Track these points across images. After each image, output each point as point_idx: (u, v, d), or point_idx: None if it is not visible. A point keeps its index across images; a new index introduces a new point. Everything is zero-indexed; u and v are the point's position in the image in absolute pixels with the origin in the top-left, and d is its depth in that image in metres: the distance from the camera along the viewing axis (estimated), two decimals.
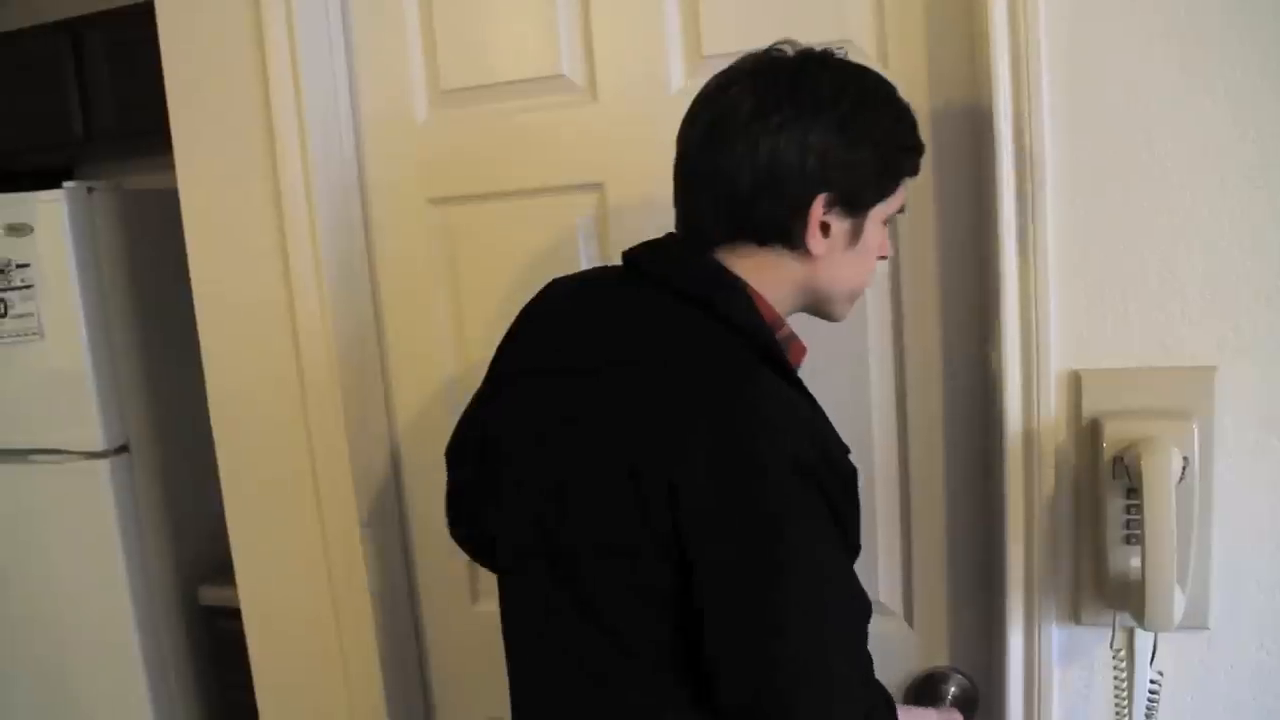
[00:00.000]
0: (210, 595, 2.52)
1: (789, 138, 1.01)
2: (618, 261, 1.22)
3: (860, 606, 1.04)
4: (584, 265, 1.58)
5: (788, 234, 1.05)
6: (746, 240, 1.07)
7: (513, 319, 1.27)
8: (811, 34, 1.37)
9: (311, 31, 1.60)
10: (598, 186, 1.57)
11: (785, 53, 1.07)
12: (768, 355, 1.04)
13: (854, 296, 1.15)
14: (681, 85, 1.52)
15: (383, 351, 1.73)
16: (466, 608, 1.77)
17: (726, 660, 0.97)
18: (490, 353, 1.30)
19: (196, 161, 1.70)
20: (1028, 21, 1.27)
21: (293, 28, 1.58)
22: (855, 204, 1.06)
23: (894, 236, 1.42)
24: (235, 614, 2.36)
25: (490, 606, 1.69)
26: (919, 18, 1.41)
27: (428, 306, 1.69)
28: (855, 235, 1.08)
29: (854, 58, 1.12)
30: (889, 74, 1.16)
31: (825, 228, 1.05)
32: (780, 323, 1.09)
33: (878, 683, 1.09)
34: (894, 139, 1.08)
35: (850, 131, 1.03)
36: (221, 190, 1.68)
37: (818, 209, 1.04)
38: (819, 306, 1.14)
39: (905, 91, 1.12)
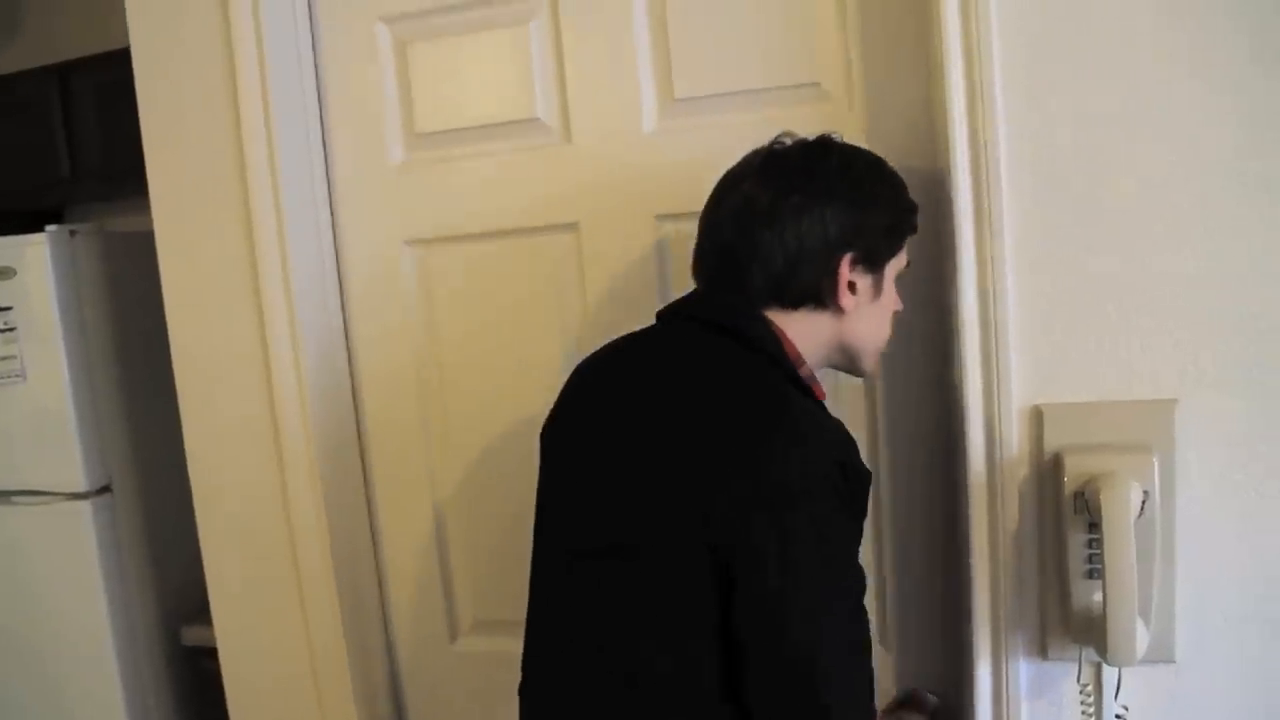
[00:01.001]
0: (192, 635, 2.50)
1: (810, 217, 1.16)
2: (596, 296, 1.53)
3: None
4: (561, 304, 1.62)
5: (820, 295, 1.18)
6: (783, 305, 1.19)
7: (490, 354, 1.61)
8: (782, 76, 1.48)
9: (283, 78, 1.63)
10: (573, 227, 1.60)
11: (786, 144, 1.22)
12: (794, 379, 1.16)
13: (879, 349, 1.27)
14: (654, 127, 1.56)
15: (357, 396, 1.74)
16: (445, 647, 1.76)
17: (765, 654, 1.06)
18: (469, 389, 1.61)
19: (171, 208, 1.71)
20: (982, 62, 1.28)
21: (265, 75, 1.60)
22: (874, 261, 1.20)
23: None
24: (217, 654, 2.38)
25: (468, 647, 1.75)
26: (882, 59, 1.45)
27: (403, 346, 1.70)
28: (877, 289, 1.22)
29: (822, 98, 1.36)
30: (854, 113, 1.32)
31: (851, 285, 1.18)
32: (801, 361, 1.19)
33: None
34: (896, 203, 1.22)
35: (860, 200, 1.18)
36: (196, 236, 1.69)
37: (845, 268, 1.17)
38: (850, 361, 1.26)
39: (870, 130, 1.33)
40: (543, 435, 1.32)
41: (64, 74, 2.83)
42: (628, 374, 1.24)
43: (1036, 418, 1.32)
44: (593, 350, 1.35)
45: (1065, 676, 1.36)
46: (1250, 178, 1.24)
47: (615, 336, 1.37)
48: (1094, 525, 1.27)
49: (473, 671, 1.74)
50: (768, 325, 1.17)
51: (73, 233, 2.34)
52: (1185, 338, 1.28)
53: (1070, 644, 1.33)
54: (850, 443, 1.12)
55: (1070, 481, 1.28)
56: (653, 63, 1.55)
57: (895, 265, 1.23)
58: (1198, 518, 1.30)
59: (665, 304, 1.30)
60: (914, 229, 1.25)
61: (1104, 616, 1.21)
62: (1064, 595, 1.32)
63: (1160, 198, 1.27)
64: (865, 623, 1.11)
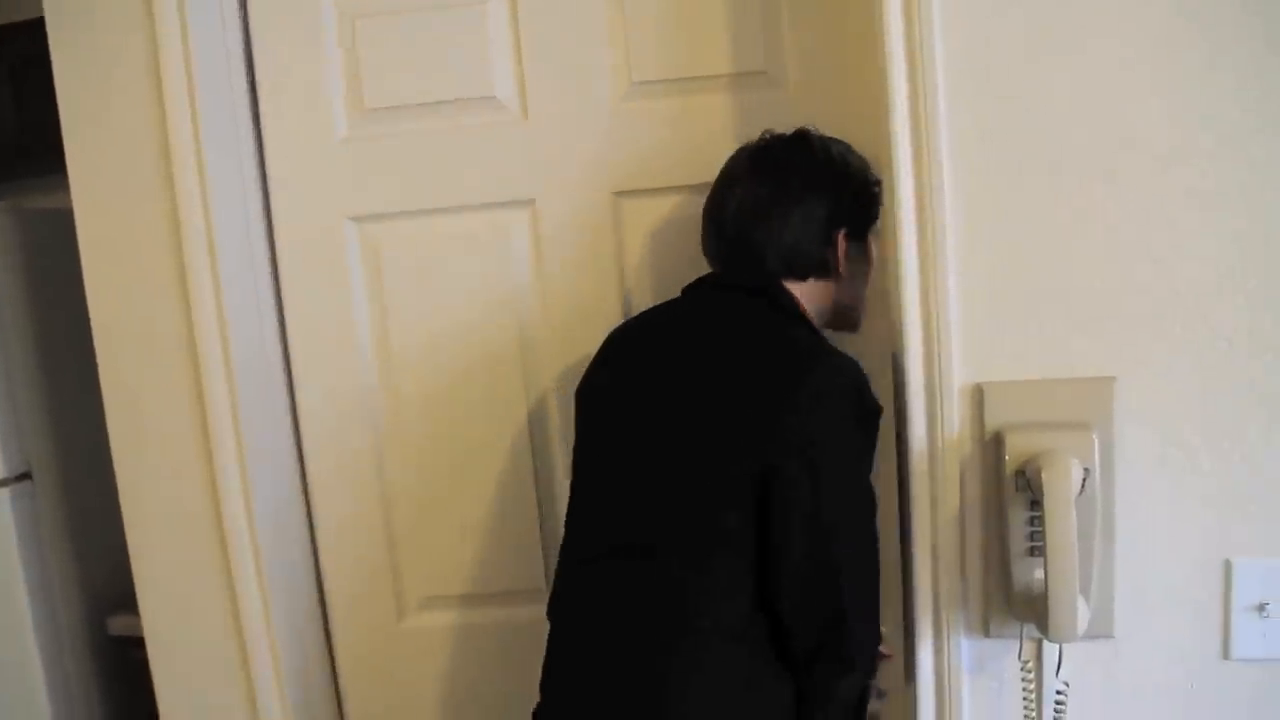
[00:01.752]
0: (120, 625, 2.44)
1: (807, 202, 1.37)
2: (552, 272, 1.63)
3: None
4: (518, 279, 1.65)
5: (825, 266, 1.39)
6: (794, 277, 1.38)
7: (440, 331, 1.66)
8: (735, 62, 1.57)
9: (209, 50, 1.57)
10: (529, 203, 1.62)
11: (769, 140, 1.43)
12: (815, 333, 1.37)
13: (864, 304, 1.47)
14: (615, 108, 1.60)
15: (292, 377, 1.71)
16: (392, 626, 1.75)
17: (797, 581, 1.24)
18: (421, 367, 1.66)
19: (91, 186, 1.64)
20: (923, 42, 1.28)
21: (188, 46, 1.54)
22: (859, 231, 1.41)
23: None
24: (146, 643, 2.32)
25: (417, 622, 1.74)
26: (821, 40, 1.55)
27: (344, 324, 1.67)
28: (864, 254, 1.43)
29: (770, 85, 1.57)
30: (799, 99, 1.50)
31: (845, 253, 1.38)
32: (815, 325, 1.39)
33: None
34: (867, 180, 1.42)
35: (842, 183, 1.39)
36: (117, 214, 1.63)
37: (841, 241, 1.38)
38: (844, 318, 1.46)
39: (813, 115, 1.45)
40: (581, 394, 1.47)
41: None
42: (671, 332, 1.41)
43: (977, 396, 1.33)
44: (550, 328, 1.62)
45: (1007, 653, 1.37)
46: (1182, 158, 1.26)
47: (572, 314, 1.55)
48: (1035, 503, 1.28)
49: (423, 649, 1.74)
50: (789, 292, 1.37)
51: None
52: (1124, 317, 1.29)
53: (1011, 621, 1.34)
54: (866, 377, 1.29)
55: (1011, 460, 1.28)
56: (611, 45, 1.59)
57: (874, 231, 1.43)
58: (1135, 495, 1.32)
59: (623, 281, 1.61)
60: (882, 200, 1.42)
61: (1045, 593, 1.21)
62: (1005, 573, 1.33)
63: (1097, 178, 1.28)
64: (877, 539, 1.29)
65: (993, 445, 1.32)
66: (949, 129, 1.29)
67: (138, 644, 2.36)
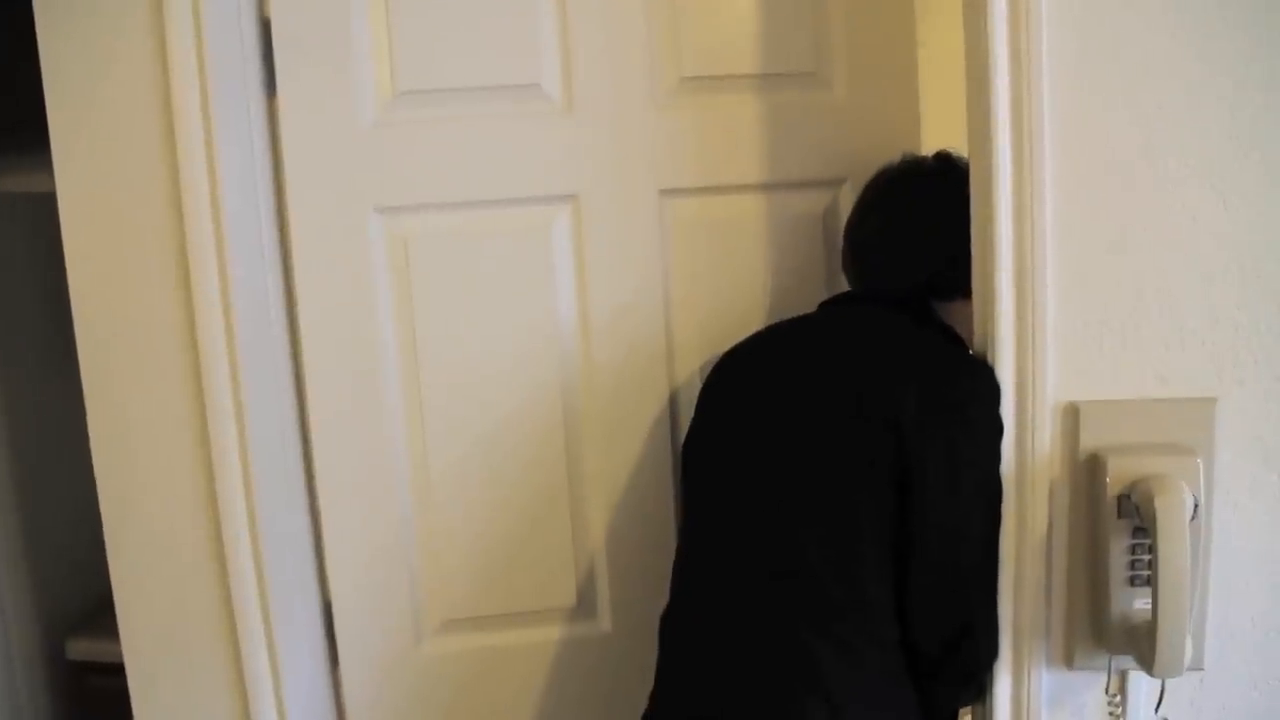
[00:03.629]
0: (80, 649, 2.28)
1: (947, 228, 1.36)
2: (593, 272, 1.59)
3: None
4: (557, 278, 1.60)
5: (968, 286, 1.34)
6: (938, 299, 1.44)
7: (471, 331, 1.60)
8: (785, 62, 1.57)
9: (220, 13, 1.46)
10: (571, 198, 1.57)
11: (913, 164, 1.48)
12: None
13: None
14: (661, 103, 1.58)
15: (301, 381, 1.61)
16: (408, 650, 1.67)
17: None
18: (448, 371, 1.60)
19: (79, 161, 1.51)
20: (1030, 54, 1.23)
21: (198, 10, 1.43)
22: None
23: None
24: (109, 669, 2.17)
25: (436, 647, 1.66)
26: (871, 42, 1.58)
27: (364, 323, 1.59)
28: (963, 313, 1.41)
29: (819, 85, 1.57)
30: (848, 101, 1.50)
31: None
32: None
33: None
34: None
35: (963, 208, 1.34)
36: (110, 194, 1.51)
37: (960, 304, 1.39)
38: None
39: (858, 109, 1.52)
40: (708, 385, 1.50)
41: None
42: (810, 343, 1.44)
43: (1072, 415, 1.28)
44: (589, 331, 1.59)
45: (1088, 687, 1.33)
46: None
47: (613, 315, 1.54)
48: (1138, 530, 1.23)
49: (442, 676, 1.68)
50: (933, 306, 1.42)
51: None
52: (1224, 335, 1.26)
53: (1099, 653, 1.30)
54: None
55: (1114, 483, 1.23)
56: (663, 40, 1.57)
57: None
58: (1228, 522, 1.28)
59: (666, 281, 1.59)
60: None
61: (1153, 626, 1.16)
62: (1099, 602, 1.28)
63: (1205, 189, 1.24)
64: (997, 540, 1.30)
65: (1087, 467, 1.27)
66: (1051, 137, 1.24)
67: (99, 670, 2.24)
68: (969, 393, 1.28)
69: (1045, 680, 1.33)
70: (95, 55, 1.48)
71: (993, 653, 1.30)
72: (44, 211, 1.62)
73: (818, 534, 1.30)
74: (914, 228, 1.43)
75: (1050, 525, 1.30)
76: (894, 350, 1.37)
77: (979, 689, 1.33)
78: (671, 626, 1.42)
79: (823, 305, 1.49)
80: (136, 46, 1.46)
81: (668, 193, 1.58)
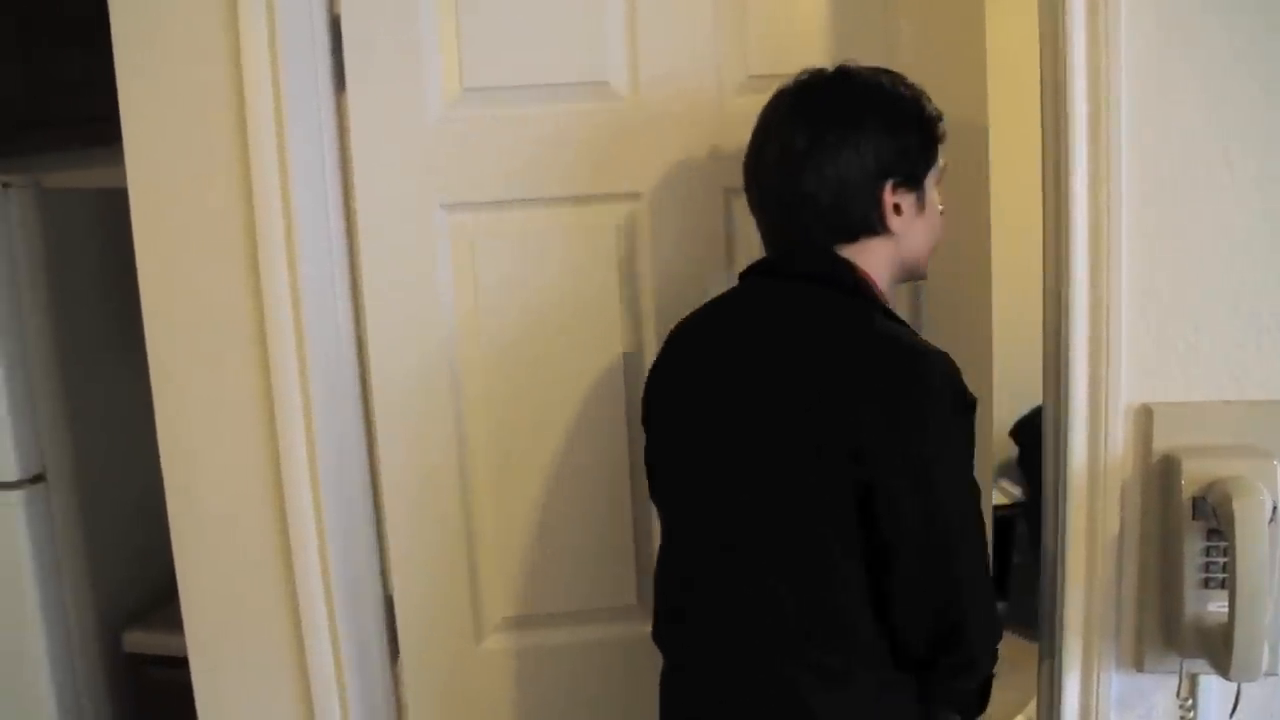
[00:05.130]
0: (136, 641, 2.33)
1: (847, 151, 1.27)
2: (658, 270, 1.57)
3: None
4: (623, 276, 1.61)
5: (873, 224, 1.29)
6: (843, 240, 1.30)
7: (536, 330, 1.59)
8: (860, 53, 1.48)
9: (293, 11, 1.49)
10: (636, 196, 1.58)
11: (809, 81, 1.33)
12: (887, 313, 1.28)
13: (931, 252, 1.38)
14: (728, 101, 1.58)
15: (367, 376, 1.63)
16: (468, 648, 1.68)
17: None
18: (512, 368, 1.60)
19: (151, 158, 1.55)
20: (1109, 53, 1.24)
21: (272, 8, 1.46)
22: (913, 179, 1.31)
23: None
24: (165, 661, 2.22)
25: (497, 644, 1.67)
26: (937, 42, 1.57)
27: (429, 318, 1.60)
28: (920, 204, 1.33)
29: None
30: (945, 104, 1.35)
31: (897, 207, 1.30)
32: (882, 294, 1.31)
33: None
34: (921, 118, 1.32)
35: (889, 125, 1.29)
36: (180, 190, 1.54)
37: (888, 195, 1.29)
38: (910, 272, 1.37)
39: (954, 120, 1.37)
40: (647, 398, 1.43)
41: None
42: (735, 332, 1.34)
43: (1145, 416, 1.29)
44: (655, 330, 1.55)
45: (1158, 690, 1.34)
46: None
47: (679, 315, 1.43)
48: (1213, 532, 1.23)
49: (502, 673, 1.68)
50: (850, 266, 1.29)
51: (5, 185, 2.13)
52: None
53: (1170, 656, 1.30)
54: (958, 369, 1.22)
55: (1188, 485, 1.24)
56: (730, 38, 1.57)
57: (933, 175, 1.34)
58: None
59: (731, 279, 1.42)
60: (943, 136, 1.34)
61: (1228, 629, 1.17)
62: (1171, 604, 1.28)
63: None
64: (983, 519, 1.23)
65: (1160, 469, 1.28)
66: (1128, 139, 1.26)
67: (156, 662, 2.28)
68: (924, 396, 1.19)
69: (1115, 682, 1.34)
70: (169, 52, 1.51)
71: (992, 634, 1.25)
72: (110, 206, 1.66)
73: (788, 570, 1.23)
74: (804, 160, 1.27)
75: (1122, 527, 1.31)
76: (841, 359, 1.22)
77: (986, 669, 1.27)
78: (666, 650, 1.39)
79: (744, 276, 1.37)
80: (210, 44, 1.49)
81: (733, 191, 1.55)
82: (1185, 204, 1.26)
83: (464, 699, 1.68)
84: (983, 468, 1.57)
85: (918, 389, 1.19)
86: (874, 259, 1.30)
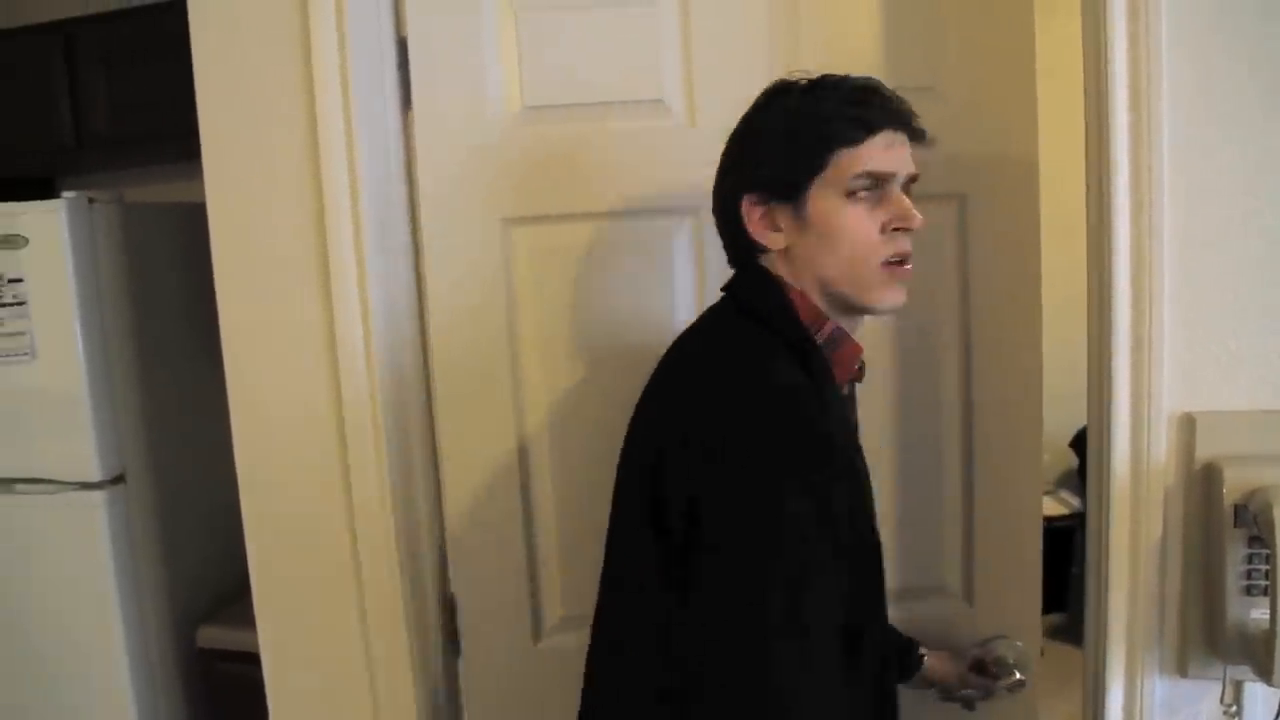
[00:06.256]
0: (209, 637, 2.45)
1: (722, 164, 1.25)
2: (714, 287, 1.33)
3: (823, 606, 1.06)
4: (679, 291, 1.64)
5: (746, 242, 1.21)
6: (741, 260, 1.25)
7: (593, 341, 1.60)
8: (902, 77, 1.49)
9: (363, 35, 1.57)
10: (693, 212, 1.59)
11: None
12: (799, 340, 1.16)
13: (860, 280, 1.17)
14: None
15: (431, 383, 1.70)
16: (527, 647, 1.72)
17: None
18: (571, 376, 1.63)
19: (229, 173, 1.63)
20: (1150, 60, 1.28)
21: (343, 26, 1.53)
22: (784, 190, 1.18)
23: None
24: (235, 657, 2.31)
25: (556, 643, 1.71)
26: (986, 58, 1.56)
27: (491, 327, 1.65)
28: (800, 217, 1.17)
29: (941, 101, 1.47)
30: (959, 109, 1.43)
31: (772, 223, 1.19)
32: (822, 320, 1.19)
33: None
34: (793, 119, 1.18)
35: (745, 136, 1.22)
36: (256, 204, 1.62)
37: (747, 209, 1.20)
38: (843, 300, 1.19)
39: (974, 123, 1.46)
40: None
41: (69, 33, 2.73)
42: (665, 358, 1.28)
43: (1188, 425, 1.31)
44: None
45: (1203, 696, 1.36)
46: None
47: None
48: (1255, 540, 1.25)
49: (561, 673, 1.67)
50: (764, 289, 1.20)
51: (91, 201, 2.25)
52: None
53: (1214, 662, 1.33)
54: (800, 407, 1.09)
55: (1230, 493, 1.26)
56: (785, 53, 1.58)
57: (828, 182, 1.16)
58: None
59: None
60: (845, 139, 1.16)
61: (1270, 635, 1.20)
62: (1214, 611, 1.31)
63: None
64: (816, 599, 1.05)
65: (1203, 477, 1.30)
66: (1170, 148, 1.29)
67: (226, 657, 2.38)
68: (728, 433, 1.08)
69: (1158, 688, 1.37)
70: (245, 73, 1.59)
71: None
72: (189, 219, 1.74)
73: (625, 601, 1.23)
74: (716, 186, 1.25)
75: (1164, 534, 1.33)
76: (675, 382, 1.20)
77: None
78: None
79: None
80: (285, 65, 1.57)
81: None
82: (1227, 214, 1.29)
83: (522, 697, 1.72)
84: (1031, 478, 1.59)
85: (725, 425, 1.09)
86: (790, 280, 1.20)
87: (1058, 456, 3.33)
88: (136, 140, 2.65)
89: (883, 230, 1.15)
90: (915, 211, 1.16)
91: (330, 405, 1.62)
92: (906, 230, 1.16)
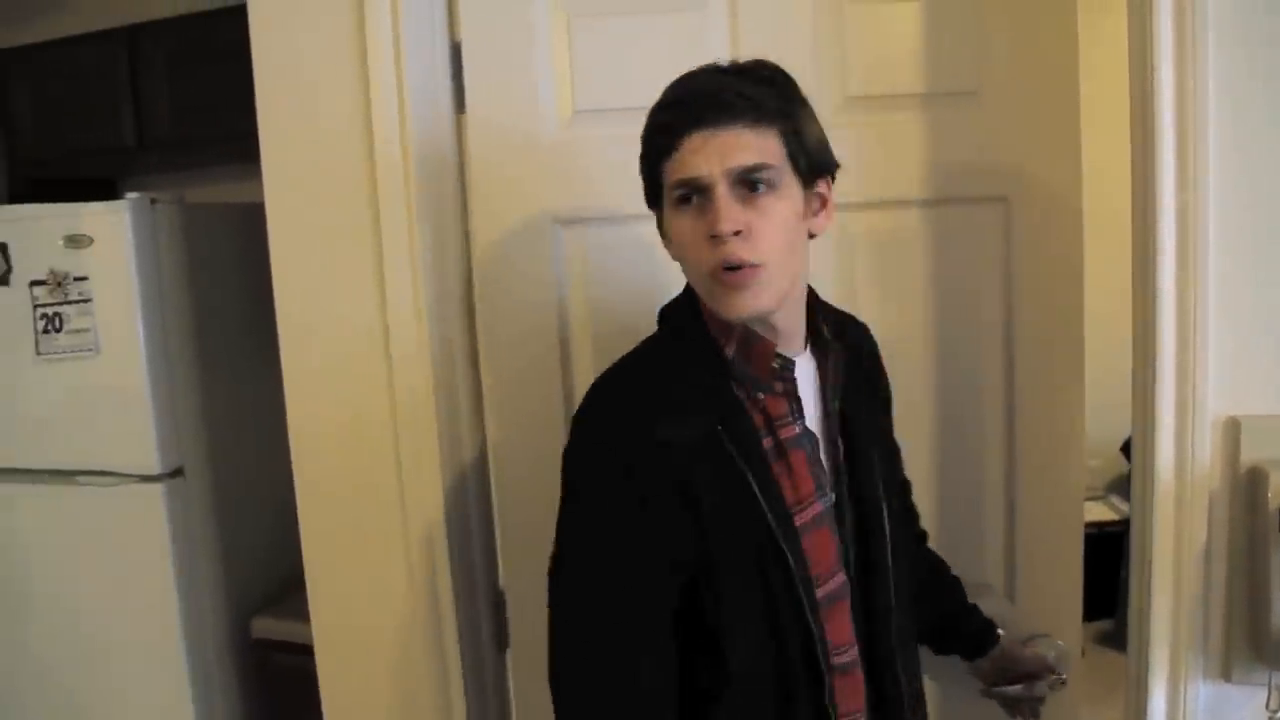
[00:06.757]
0: (263, 628, 2.51)
1: None
2: None
3: (616, 606, 1.17)
4: None
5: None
6: None
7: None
8: (951, 81, 1.59)
9: (417, 42, 1.61)
10: None
11: None
12: (702, 351, 1.22)
13: (704, 289, 1.21)
14: (826, 121, 1.54)
15: (480, 380, 1.73)
16: None
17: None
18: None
19: (286, 174, 1.68)
20: (1196, 68, 1.29)
21: (398, 35, 1.58)
22: (652, 205, 1.27)
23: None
24: (289, 648, 2.37)
25: None
26: (1032, 64, 1.57)
27: (543, 331, 1.69)
28: (665, 232, 1.25)
29: (984, 105, 1.52)
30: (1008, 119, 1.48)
31: (663, 235, 1.25)
32: (726, 326, 1.21)
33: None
34: (646, 130, 1.24)
35: None
36: (313, 204, 1.67)
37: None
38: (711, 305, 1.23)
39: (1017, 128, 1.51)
40: None
41: (133, 39, 2.81)
42: None
43: (1233, 429, 1.32)
44: None
45: (1248, 701, 1.36)
46: None
47: None
48: None
49: None
50: (683, 301, 1.29)
51: (153, 201, 2.32)
52: None
53: (1259, 667, 1.33)
54: (593, 430, 1.21)
55: (1275, 497, 1.27)
56: (827, 56, 1.61)
57: (666, 195, 1.21)
58: None
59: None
60: (655, 149, 1.22)
61: None
62: (1258, 616, 1.31)
63: None
64: (612, 618, 1.15)
65: (1248, 480, 1.31)
66: (1216, 151, 1.29)
67: (280, 648, 2.44)
68: (567, 454, 1.22)
69: (1202, 693, 1.37)
70: (303, 77, 1.64)
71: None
72: (248, 219, 1.78)
73: None
74: None
75: (1209, 538, 1.34)
76: None
77: None
78: None
79: None
80: (341, 69, 1.61)
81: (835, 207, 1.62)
82: (1273, 215, 1.29)
83: None
84: (1074, 476, 1.59)
85: (569, 442, 1.23)
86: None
87: (1109, 462, 3.31)
88: (196, 142, 2.74)
89: (709, 238, 1.15)
90: (723, 216, 1.12)
91: (384, 403, 1.66)
92: (739, 235, 1.13)
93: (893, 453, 1.42)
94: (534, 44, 1.64)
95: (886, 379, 1.44)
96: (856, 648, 1.22)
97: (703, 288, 1.20)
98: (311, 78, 1.64)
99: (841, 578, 1.22)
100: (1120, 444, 3.02)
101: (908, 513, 1.52)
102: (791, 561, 1.16)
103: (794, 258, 1.17)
